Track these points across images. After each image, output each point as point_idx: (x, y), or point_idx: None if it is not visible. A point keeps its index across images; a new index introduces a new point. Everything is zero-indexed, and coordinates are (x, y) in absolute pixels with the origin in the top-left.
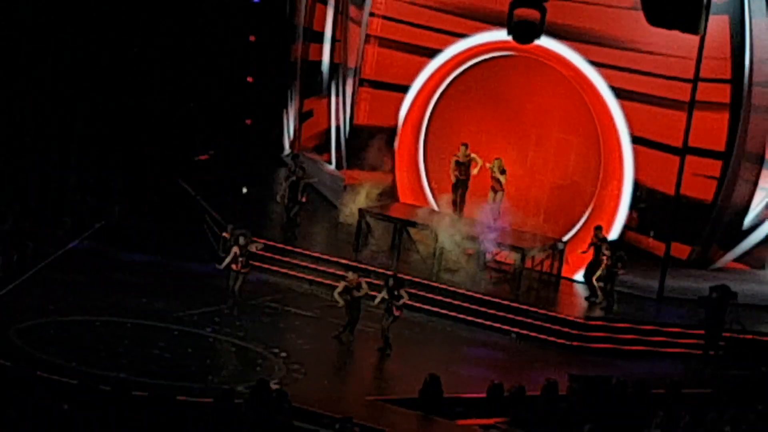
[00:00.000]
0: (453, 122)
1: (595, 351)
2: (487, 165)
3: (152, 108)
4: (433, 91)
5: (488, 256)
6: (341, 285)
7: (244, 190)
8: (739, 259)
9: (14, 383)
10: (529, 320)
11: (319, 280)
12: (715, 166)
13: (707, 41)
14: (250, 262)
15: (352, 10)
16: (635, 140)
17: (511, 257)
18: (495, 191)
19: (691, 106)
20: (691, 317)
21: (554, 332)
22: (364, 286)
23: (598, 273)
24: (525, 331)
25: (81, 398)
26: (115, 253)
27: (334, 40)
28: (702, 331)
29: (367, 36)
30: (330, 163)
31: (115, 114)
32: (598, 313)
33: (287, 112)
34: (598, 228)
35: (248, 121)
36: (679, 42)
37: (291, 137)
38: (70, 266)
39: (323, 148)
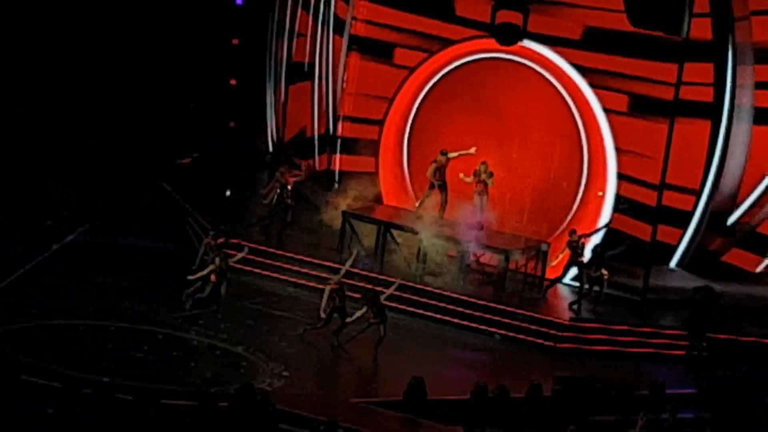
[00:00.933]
0: (437, 125)
1: (579, 352)
2: (471, 151)
3: (135, 111)
4: (417, 95)
5: (472, 258)
6: (326, 290)
7: (228, 192)
8: None
9: None
10: (513, 322)
11: (302, 282)
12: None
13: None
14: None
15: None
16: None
17: (494, 259)
18: (481, 195)
19: (674, 111)
20: (676, 318)
21: (538, 334)
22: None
23: (575, 273)
24: (509, 333)
25: (64, 402)
26: (99, 256)
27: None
28: (686, 332)
29: (350, 44)
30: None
31: (98, 117)
32: (583, 314)
33: (271, 115)
34: (573, 232)
35: (232, 124)
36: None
37: (275, 139)
38: (53, 269)
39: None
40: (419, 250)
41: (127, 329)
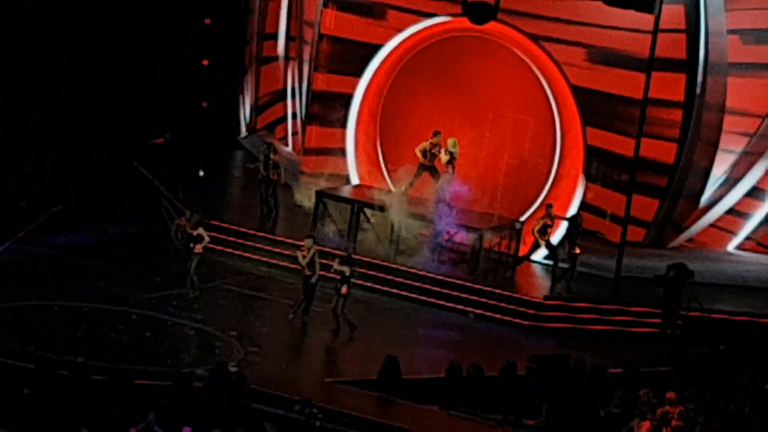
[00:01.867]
0: (409, 104)
1: (553, 331)
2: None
3: (107, 91)
4: (389, 74)
5: (445, 237)
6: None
7: (201, 173)
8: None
9: None
10: (487, 300)
11: (275, 262)
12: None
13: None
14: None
15: None
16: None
17: (468, 238)
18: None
19: (646, 89)
20: (649, 296)
21: (512, 312)
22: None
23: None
24: (483, 312)
25: (39, 383)
26: (73, 237)
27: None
28: (659, 310)
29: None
30: (287, 145)
31: (70, 98)
32: (557, 292)
33: (243, 95)
34: (549, 206)
35: (205, 104)
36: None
37: (248, 120)
38: (26, 251)
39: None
40: (392, 228)
41: (101, 310)
